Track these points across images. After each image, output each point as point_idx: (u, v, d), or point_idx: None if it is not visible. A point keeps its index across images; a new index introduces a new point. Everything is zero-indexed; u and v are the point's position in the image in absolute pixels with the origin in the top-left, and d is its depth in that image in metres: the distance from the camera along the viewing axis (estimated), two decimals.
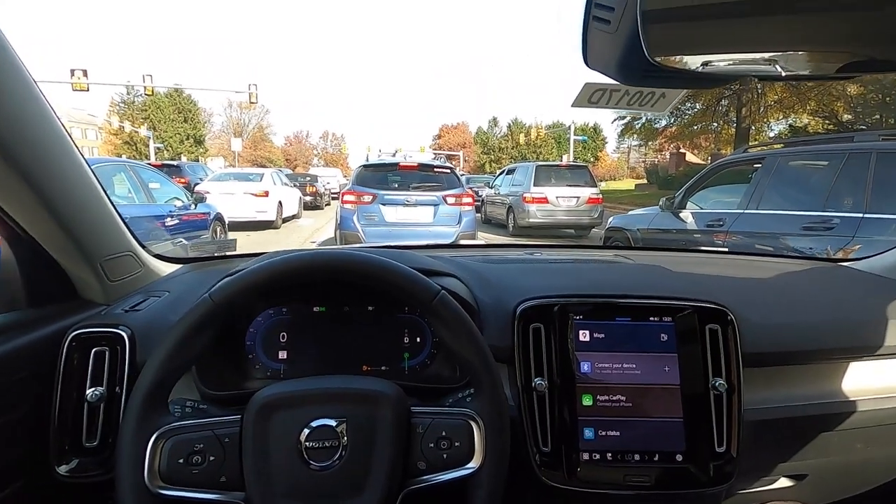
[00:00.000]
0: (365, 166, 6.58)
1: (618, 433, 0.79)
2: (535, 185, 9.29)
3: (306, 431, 0.59)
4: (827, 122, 17.42)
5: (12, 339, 0.70)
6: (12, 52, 0.63)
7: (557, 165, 10.57)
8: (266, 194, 9.98)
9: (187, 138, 38.16)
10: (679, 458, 0.78)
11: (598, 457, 0.79)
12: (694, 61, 0.49)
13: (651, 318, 0.84)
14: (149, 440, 0.57)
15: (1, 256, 0.79)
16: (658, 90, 0.81)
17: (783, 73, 0.44)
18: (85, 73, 17.66)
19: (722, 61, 0.48)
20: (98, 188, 0.83)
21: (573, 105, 0.84)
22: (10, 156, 0.64)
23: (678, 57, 0.50)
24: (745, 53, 0.46)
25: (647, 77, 0.66)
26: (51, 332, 0.76)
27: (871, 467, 1.01)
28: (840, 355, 0.90)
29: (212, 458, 0.58)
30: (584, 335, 0.83)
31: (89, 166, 0.80)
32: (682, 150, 25.91)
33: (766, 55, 0.45)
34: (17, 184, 0.67)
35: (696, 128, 21.48)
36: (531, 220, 9.22)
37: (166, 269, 1.06)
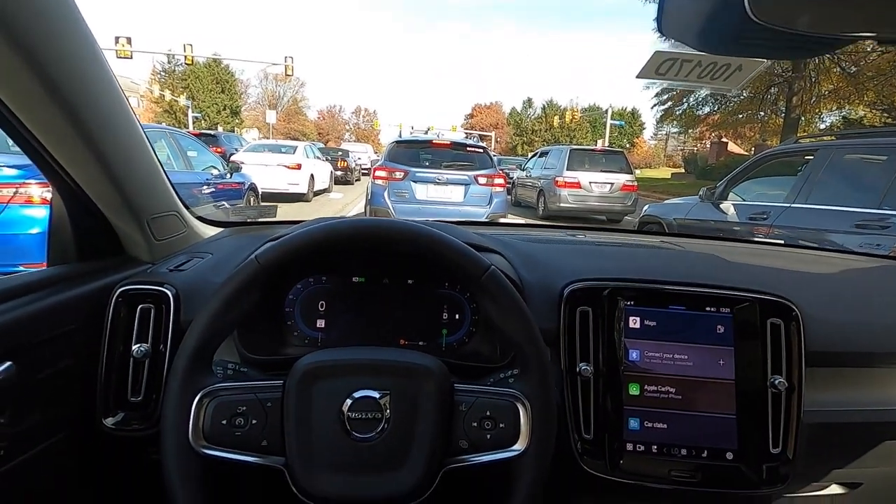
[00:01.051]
0: (398, 142, 6.54)
1: (665, 426, 0.76)
2: (568, 169, 9.07)
3: (349, 402, 0.58)
4: (885, 115, 16.39)
5: (62, 292, 0.71)
6: (78, 14, 0.63)
7: (592, 150, 10.30)
8: (299, 167, 10.07)
9: (224, 109, 38.78)
10: (730, 455, 0.75)
11: (642, 448, 0.75)
12: (802, 20, 0.43)
13: (707, 309, 0.79)
14: (194, 399, 0.56)
15: (53, 211, 0.80)
16: (736, 61, 0.74)
17: None
18: (129, 40, 18.04)
19: (836, 20, 0.42)
20: (148, 148, 0.83)
21: (639, 76, 0.78)
22: (72, 113, 0.65)
23: (783, 16, 0.44)
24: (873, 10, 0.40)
25: (736, 44, 0.60)
26: (99, 286, 0.77)
27: None
28: None
29: (254, 422, 0.57)
30: (634, 322, 0.79)
31: (142, 128, 0.81)
32: (724, 140, 24.89)
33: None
34: (74, 139, 0.68)
35: (741, 116, 20.53)
36: (562, 204, 9.03)
37: (208, 231, 1.06)
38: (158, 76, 37.92)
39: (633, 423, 0.76)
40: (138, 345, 0.76)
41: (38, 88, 0.59)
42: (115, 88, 0.72)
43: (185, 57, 22.29)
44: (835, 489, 0.91)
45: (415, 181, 5.82)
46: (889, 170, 3.29)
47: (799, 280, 0.97)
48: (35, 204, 3.05)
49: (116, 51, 17.87)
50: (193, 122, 29.72)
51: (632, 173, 9.54)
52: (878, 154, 3.55)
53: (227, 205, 5.09)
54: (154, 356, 0.77)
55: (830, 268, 1.09)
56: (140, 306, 0.77)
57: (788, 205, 3.84)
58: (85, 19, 0.64)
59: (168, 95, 34.33)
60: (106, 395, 0.75)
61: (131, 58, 18.46)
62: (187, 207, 0.99)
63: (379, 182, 5.89)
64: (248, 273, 0.60)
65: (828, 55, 15.50)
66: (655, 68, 0.77)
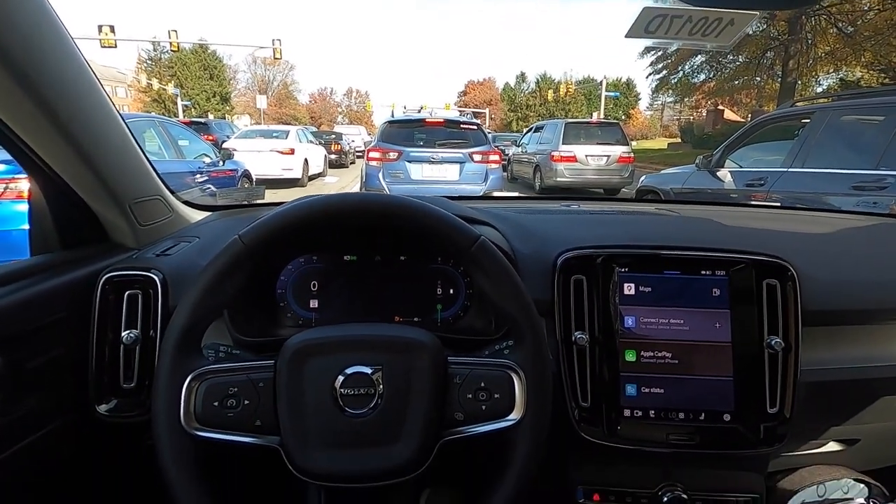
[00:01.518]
0: (390, 122, 6.46)
1: (662, 390, 0.76)
2: (563, 143, 9.00)
3: (341, 378, 0.57)
4: (883, 75, 16.18)
5: (47, 280, 0.70)
6: (45, 2, 0.61)
7: (587, 123, 10.18)
8: (292, 152, 9.97)
9: (213, 95, 38.25)
10: (727, 417, 0.75)
11: (640, 414, 0.76)
12: None
13: (703, 272, 0.78)
14: (184, 381, 0.56)
15: (32, 200, 0.78)
16: (726, 16, 0.72)
17: None
18: (112, 28, 17.64)
19: None
20: (126, 132, 0.82)
21: (627, 35, 0.75)
22: (42, 100, 0.63)
23: None
24: None
25: None
26: (85, 273, 0.76)
27: None
28: None
29: (246, 402, 0.57)
30: (628, 288, 0.78)
31: (118, 111, 0.79)
32: (720, 107, 24.62)
33: None
34: (47, 126, 0.66)
35: (737, 82, 20.28)
36: (559, 179, 8.98)
37: (196, 215, 1.05)
38: (145, 65, 37.30)
39: (630, 390, 0.76)
40: (128, 331, 0.75)
41: (6, 78, 0.57)
42: (86, 74, 0.70)
43: (171, 44, 21.84)
44: (832, 446, 0.91)
45: (409, 161, 5.78)
46: (886, 130, 3.25)
47: (794, 240, 0.96)
48: (25, 199, 3.03)
49: (100, 40, 17.50)
50: (183, 111, 29.35)
51: (628, 145, 9.47)
52: (874, 115, 3.51)
53: (213, 188, 5.04)
54: (144, 342, 0.76)
55: (826, 227, 1.08)
56: (127, 292, 0.76)
57: (785, 169, 3.81)
58: (52, 6, 0.62)
59: (156, 84, 33.80)
60: (98, 383, 0.74)
61: (116, 46, 18.06)
62: (172, 192, 0.97)
63: (373, 164, 5.84)
64: (231, 253, 0.59)
65: (823, 16, 15.19)
66: (645, 26, 0.74)
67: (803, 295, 0.77)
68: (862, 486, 0.90)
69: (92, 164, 0.74)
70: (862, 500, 0.88)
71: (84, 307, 0.74)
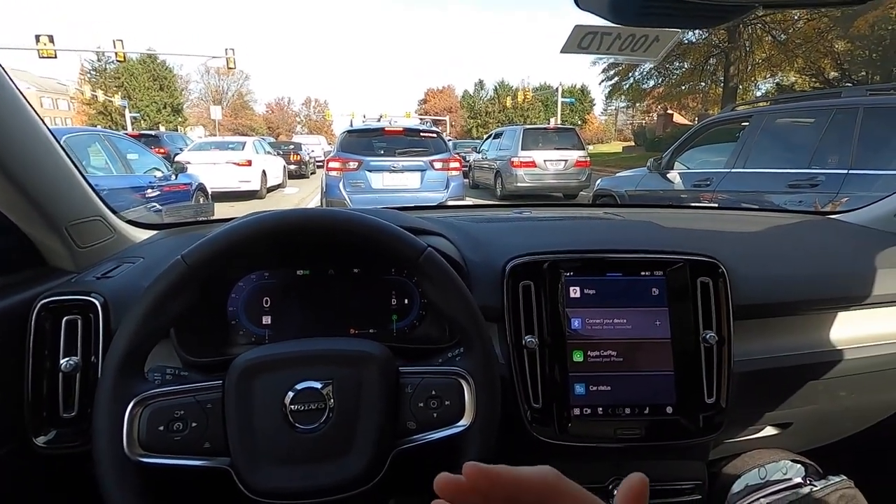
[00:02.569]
0: (349, 132, 6.42)
1: (609, 388, 0.79)
2: (522, 148, 9.18)
3: (291, 394, 0.57)
4: (814, 79, 17.37)
5: None
6: None
7: (545, 128, 10.42)
8: (249, 163, 9.74)
9: (164, 107, 36.87)
10: (669, 410, 0.79)
11: (588, 412, 0.78)
12: None
13: (642, 273, 0.82)
14: (126, 408, 0.54)
15: None
16: (652, 33, 0.76)
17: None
18: (51, 38, 16.79)
19: None
20: (58, 150, 0.78)
21: (562, 51, 0.79)
22: None
23: None
24: None
25: (642, 15, 0.62)
26: (17, 300, 0.72)
27: (853, 414, 1.04)
28: (830, 305, 0.90)
29: (194, 425, 0.56)
30: (574, 291, 0.81)
31: (48, 129, 0.76)
32: (669, 112, 25.74)
33: None
34: None
35: (683, 88, 21.27)
36: (519, 184, 9.15)
37: (140, 235, 1.02)
38: (88, 75, 35.57)
39: (579, 389, 0.79)
40: (67, 359, 0.72)
41: None
42: (10, 91, 0.67)
43: (116, 54, 20.98)
44: (769, 430, 0.97)
45: (370, 170, 5.76)
46: (816, 131, 3.50)
47: (726, 240, 1.02)
48: None
49: (38, 50, 16.62)
50: (132, 123, 28.17)
51: (584, 149, 9.75)
52: (806, 117, 3.77)
53: (158, 206, 4.87)
54: (85, 369, 0.73)
55: (756, 226, 1.15)
56: (66, 318, 0.73)
57: (728, 170, 4.03)
58: None
59: (101, 96, 32.32)
60: (36, 414, 0.71)
61: (55, 57, 17.19)
62: (114, 211, 0.94)
63: (333, 174, 5.78)
64: (174, 274, 0.58)
65: (759, 24, 16.16)
66: (578, 42, 0.78)
67: (734, 290, 0.82)
68: (799, 466, 0.97)
69: (21, 187, 0.71)
70: (799, 479, 0.95)
71: (18, 335, 0.71)
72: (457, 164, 6.12)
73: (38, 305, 0.72)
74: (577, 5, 0.61)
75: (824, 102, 3.61)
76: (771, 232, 1.13)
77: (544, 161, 9.17)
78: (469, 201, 7.56)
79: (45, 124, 0.74)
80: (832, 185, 3.16)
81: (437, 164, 5.92)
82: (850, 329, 0.91)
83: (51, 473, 0.76)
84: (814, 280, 0.91)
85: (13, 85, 0.68)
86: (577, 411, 0.78)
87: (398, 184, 5.80)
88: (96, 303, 0.74)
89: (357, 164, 5.74)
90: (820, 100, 3.80)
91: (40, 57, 16.84)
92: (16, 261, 0.79)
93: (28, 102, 0.71)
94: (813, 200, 3.20)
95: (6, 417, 0.69)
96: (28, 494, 0.75)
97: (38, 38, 16.64)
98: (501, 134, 10.58)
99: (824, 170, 3.29)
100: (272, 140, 18.76)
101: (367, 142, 6.10)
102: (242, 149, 10.13)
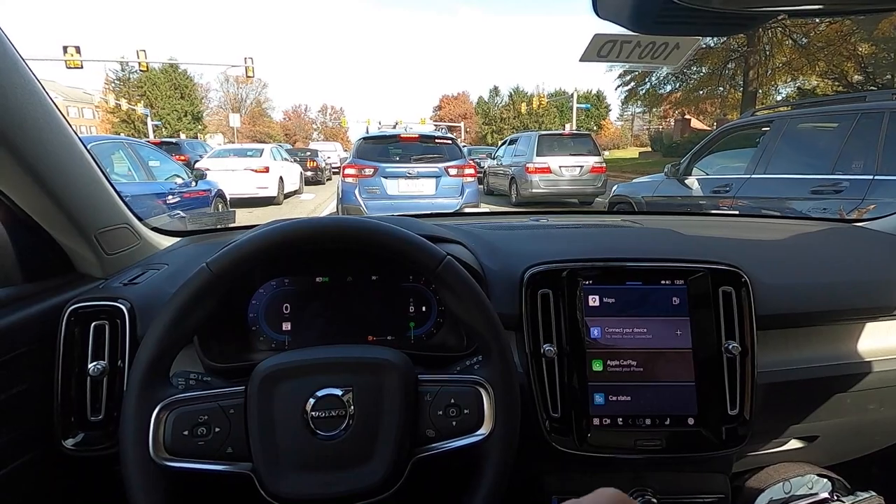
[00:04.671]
0: (365, 139, 6.47)
1: (629, 398, 0.78)
2: (537, 154, 9.16)
3: (312, 401, 0.58)
4: (836, 83, 17.01)
5: (10, 314, 0.69)
6: None
7: (560, 134, 10.37)
8: (266, 170, 9.89)
9: (185, 115, 37.70)
10: (691, 421, 0.77)
11: (608, 422, 0.78)
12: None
13: (663, 282, 0.81)
14: (152, 413, 0.55)
15: None
16: (672, 40, 0.76)
17: (822, 7, 0.40)
18: (78, 49, 17.32)
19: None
20: (89, 160, 0.81)
21: (581, 59, 0.79)
22: None
23: None
24: None
25: (662, 23, 0.62)
26: (49, 306, 0.74)
27: (883, 427, 1.01)
28: (857, 316, 0.87)
29: (217, 430, 0.57)
30: (593, 300, 0.81)
31: (80, 139, 0.78)
32: (686, 117, 25.43)
33: None
34: (5, 158, 0.65)
35: (701, 92, 21.00)
36: (534, 190, 9.12)
37: (165, 242, 1.04)
38: (112, 85, 36.57)
39: (598, 398, 0.78)
40: (95, 363, 0.74)
41: None
42: (44, 102, 0.70)
43: (140, 63, 21.52)
44: (794, 444, 0.95)
45: (385, 177, 5.79)
46: (840, 136, 3.42)
47: (748, 248, 1.01)
48: None
49: (65, 61, 17.15)
50: (154, 131, 28.79)
51: (600, 155, 9.69)
52: (829, 122, 3.69)
53: (182, 213, 4.98)
54: (112, 373, 0.75)
55: (779, 234, 1.13)
56: (94, 323, 0.75)
57: (749, 176, 3.96)
58: (2, 30, 0.62)
59: (125, 104, 33.15)
60: (64, 417, 0.73)
61: (82, 67, 17.73)
62: (140, 219, 0.96)
63: (349, 180, 5.83)
64: (199, 282, 0.59)
65: (779, 28, 15.91)
66: (597, 51, 0.78)
67: (757, 300, 0.81)
68: (825, 480, 0.94)
69: (54, 196, 0.73)
70: (826, 495, 0.92)
71: (49, 340, 0.73)
72: (472, 171, 6.13)
73: (69, 311, 0.74)
74: (597, 14, 0.61)
75: (849, 107, 3.53)
76: (795, 240, 1.11)
77: (559, 167, 9.13)
78: (484, 208, 7.56)
79: (77, 134, 0.76)
80: (857, 191, 3.08)
81: (452, 171, 5.93)
82: (880, 340, 0.88)
83: (78, 475, 0.78)
84: (841, 290, 0.89)
85: (47, 95, 0.70)
86: (596, 421, 0.78)
87: (413, 190, 5.82)
88: (123, 308, 0.76)
89: (373, 170, 5.79)
90: (844, 104, 3.72)
91: (67, 67, 17.38)
92: (47, 267, 0.81)
93: (61, 112, 0.73)
94: (837, 207, 3.12)
95: (37, 420, 0.71)
96: (56, 496, 0.77)
97: (65, 48, 17.18)
98: (516, 140, 10.57)
99: (849, 175, 3.21)
100: (289, 147, 19.03)
101: (382, 148, 6.14)
102: (260, 156, 10.29)
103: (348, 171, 5.89)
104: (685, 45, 0.78)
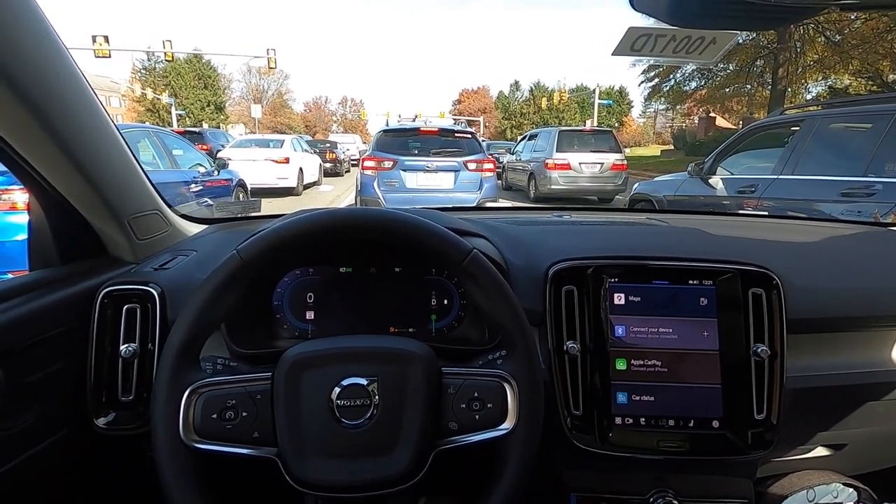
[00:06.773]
0: (385, 131, 6.48)
1: (652, 398, 0.77)
2: (557, 150, 9.05)
3: (337, 390, 0.58)
4: (871, 82, 16.43)
5: (47, 295, 0.71)
6: (41, 13, 0.62)
7: (581, 130, 10.24)
8: (287, 161, 9.99)
9: (208, 105, 38.27)
10: (716, 424, 0.76)
11: (630, 421, 0.77)
12: None
13: (690, 282, 0.80)
14: (182, 395, 0.57)
15: (31, 215, 0.79)
16: (709, 35, 0.74)
17: None
18: (106, 38, 17.68)
19: None
20: (124, 147, 0.83)
21: (614, 53, 0.78)
22: (40, 115, 0.64)
23: None
24: None
25: (702, 16, 0.60)
26: (84, 288, 0.77)
27: None
28: (892, 323, 0.85)
29: (244, 414, 0.58)
30: (618, 298, 0.80)
31: (116, 126, 0.80)
32: (712, 115, 24.89)
33: None
34: (45, 143, 0.67)
35: (728, 90, 20.51)
36: (553, 186, 9.03)
37: (193, 229, 1.06)
38: (139, 74, 37.27)
39: (621, 398, 0.78)
40: (126, 345, 0.76)
41: (4, 92, 0.58)
42: (84, 89, 0.71)
43: (165, 54, 21.90)
44: (820, 451, 0.93)
45: (404, 170, 5.79)
46: (873, 137, 3.30)
47: (779, 250, 0.98)
48: (19, 210, 3.01)
49: (94, 50, 17.52)
50: (178, 120, 29.32)
51: (621, 152, 9.53)
52: (862, 122, 3.56)
53: (209, 201, 5.06)
54: (142, 355, 0.77)
55: (810, 236, 1.10)
56: (126, 306, 0.77)
57: (776, 176, 3.86)
58: (48, 19, 0.63)
59: (150, 94, 33.78)
60: (96, 396, 0.75)
61: (109, 56, 18.09)
62: (170, 206, 0.98)
63: (368, 172, 5.85)
64: (230, 268, 0.60)
65: (811, 24, 15.43)
66: (630, 45, 0.77)
67: (788, 303, 0.79)
68: (851, 490, 0.92)
69: (91, 180, 0.75)
70: None
71: (83, 321, 0.75)
72: (490, 165, 6.09)
73: (103, 293, 0.76)
74: (633, 7, 0.60)
75: (884, 107, 3.41)
76: (827, 242, 1.08)
77: (579, 164, 9.01)
78: (502, 203, 7.52)
79: (112, 121, 0.78)
80: (892, 194, 2.98)
81: (471, 165, 5.91)
82: None
83: (109, 453, 0.81)
84: (875, 295, 0.86)
85: (87, 83, 0.72)
86: (618, 420, 0.77)
87: (432, 184, 5.82)
88: (154, 293, 0.78)
89: (392, 163, 5.79)
90: (879, 104, 3.59)
91: (96, 56, 17.75)
92: (81, 250, 0.84)
93: (100, 102, 0.75)
94: (872, 210, 3.02)
95: (70, 399, 0.74)
96: (87, 473, 0.80)
97: (94, 38, 17.54)
98: (536, 135, 10.47)
99: (883, 178, 3.10)
100: (309, 138, 19.17)
101: (402, 141, 6.14)
102: (281, 146, 10.40)
103: (367, 163, 5.91)
104: (722, 40, 0.76)
